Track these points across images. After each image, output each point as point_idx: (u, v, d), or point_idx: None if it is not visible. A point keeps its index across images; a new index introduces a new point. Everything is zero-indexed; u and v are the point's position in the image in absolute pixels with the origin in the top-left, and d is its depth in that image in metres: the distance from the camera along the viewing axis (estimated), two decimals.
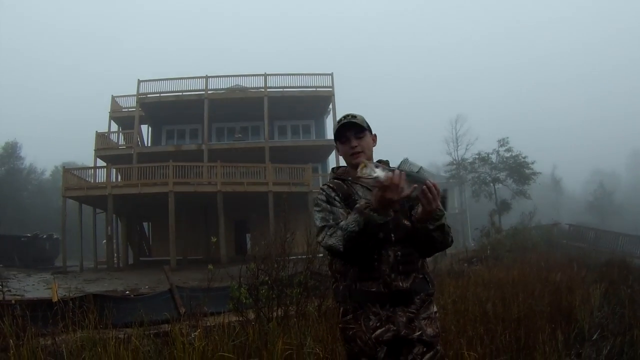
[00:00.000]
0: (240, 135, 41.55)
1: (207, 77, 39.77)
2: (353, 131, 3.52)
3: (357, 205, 3.17)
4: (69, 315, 8.20)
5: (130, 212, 37.45)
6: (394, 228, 3.30)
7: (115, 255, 35.71)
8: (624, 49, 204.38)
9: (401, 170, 3.00)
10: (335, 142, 3.64)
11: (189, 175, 33.84)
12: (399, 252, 3.33)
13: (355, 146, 3.50)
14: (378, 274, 3.29)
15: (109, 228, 33.07)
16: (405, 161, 3.60)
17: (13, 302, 9.86)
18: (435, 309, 3.46)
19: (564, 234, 40.71)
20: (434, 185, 3.07)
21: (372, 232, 3.12)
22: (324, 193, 3.48)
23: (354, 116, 3.58)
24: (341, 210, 3.37)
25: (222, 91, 40.37)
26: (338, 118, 3.66)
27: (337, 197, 3.44)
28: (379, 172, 2.91)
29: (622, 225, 62.70)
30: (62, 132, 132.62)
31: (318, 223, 3.36)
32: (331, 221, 3.30)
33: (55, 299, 9.59)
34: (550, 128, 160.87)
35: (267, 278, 8.40)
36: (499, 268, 14.59)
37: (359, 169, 2.97)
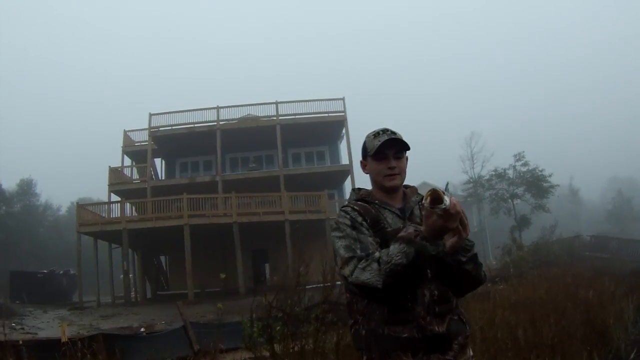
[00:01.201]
0: (254, 165, 41.33)
1: (218, 108, 39.74)
2: (394, 150, 3.11)
3: (403, 234, 2.68)
4: (77, 356, 7.96)
5: (146, 246, 37.28)
6: (430, 262, 2.76)
7: (133, 289, 35.69)
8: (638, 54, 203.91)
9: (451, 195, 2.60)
10: (365, 159, 3.22)
11: (203, 207, 33.73)
12: (435, 291, 2.87)
13: (394, 167, 3.10)
14: (411, 316, 2.80)
15: (125, 263, 33.00)
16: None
17: (20, 342, 9.60)
18: (471, 352, 3.00)
19: (586, 245, 40.36)
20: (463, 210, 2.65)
21: (420, 267, 2.66)
22: (349, 216, 3.01)
23: (394, 132, 3.17)
24: (370, 239, 2.89)
25: (234, 121, 40.31)
26: (367, 136, 3.22)
27: (364, 222, 2.98)
28: (448, 200, 2.50)
29: None
30: (78, 168, 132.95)
31: (342, 252, 2.85)
32: (359, 251, 2.81)
33: (64, 339, 9.32)
34: (564, 136, 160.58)
35: (281, 314, 8.00)
36: (524, 287, 14.09)
37: (428, 197, 2.49)
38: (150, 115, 39.73)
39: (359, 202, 3.15)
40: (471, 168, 58.46)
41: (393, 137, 3.10)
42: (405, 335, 2.78)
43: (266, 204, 34.63)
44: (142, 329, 17.72)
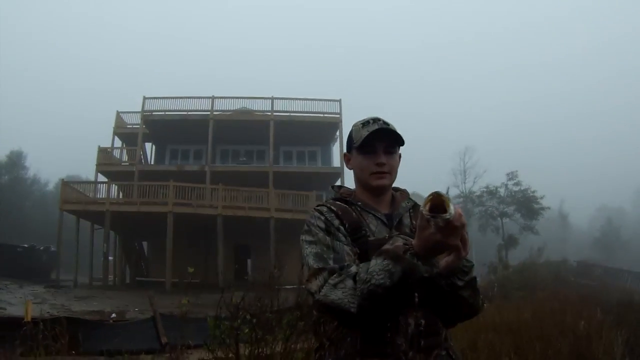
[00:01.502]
0: (244, 159, 41.06)
1: (213, 98, 39.40)
2: (384, 143, 2.57)
3: (388, 247, 2.14)
4: (37, 339, 7.67)
5: (128, 229, 36.89)
6: (419, 285, 2.19)
7: (112, 273, 35.37)
8: (633, 86, 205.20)
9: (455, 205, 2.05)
10: (350, 152, 2.69)
11: (190, 196, 33.32)
12: (421, 320, 2.31)
13: (384, 164, 2.55)
14: (391, 349, 2.24)
15: (105, 245, 32.79)
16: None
17: None
18: None
19: (571, 270, 40.26)
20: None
21: (407, 290, 2.12)
22: (323, 218, 2.46)
23: (386, 122, 2.62)
24: (347, 248, 2.35)
25: (228, 112, 39.99)
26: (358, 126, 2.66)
27: (341, 227, 2.44)
28: (452, 210, 1.98)
29: (629, 260, 62.37)
30: (71, 145, 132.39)
31: (311, 262, 2.32)
32: (331, 262, 2.27)
33: (27, 319, 8.93)
34: (557, 162, 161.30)
35: (249, 317, 7.56)
36: (509, 309, 13.71)
37: (427, 203, 1.98)
38: (145, 98, 39.35)
39: (338, 202, 2.60)
40: (463, 182, 58.85)
41: (385, 127, 2.56)
42: None
43: (253, 199, 34.17)
44: (113, 315, 17.35)
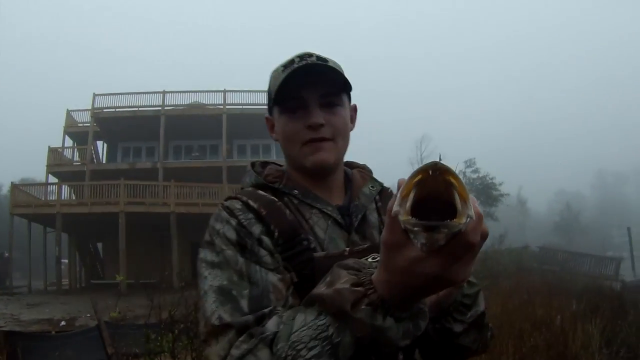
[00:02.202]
0: (197, 154, 40.38)
1: (164, 93, 38.73)
2: (319, 90, 1.62)
3: (322, 290, 1.20)
4: None
5: (82, 231, 36.22)
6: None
7: (68, 277, 34.76)
8: (590, 71, 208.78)
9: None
10: (270, 111, 1.77)
11: (142, 194, 32.73)
12: None
13: (321, 125, 1.61)
14: None
15: (57, 249, 31.80)
16: None
17: None
18: None
19: (534, 257, 40.35)
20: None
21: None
22: (234, 222, 1.51)
23: (322, 58, 1.64)
24: (274, 278, 1.42)
25: (180, 107, 39.30)
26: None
27: (265, 238, 1.49)
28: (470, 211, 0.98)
29: (589, 245, 63.41)
30: (25, 146, 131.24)
31: (210, 307, 1.38)
32: (245, 305, 1.35)
33: None
34: (514, 147, 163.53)
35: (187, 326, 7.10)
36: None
37: (406, 191, 0.98)
38: (94, 95, 38.46)
39: (260, 192, 1.61)
40: None
41: (315, 62, 1.60)
42: None
43: (207, 195, 33.43)
44: (63, 323, 16.83)
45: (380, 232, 1.53)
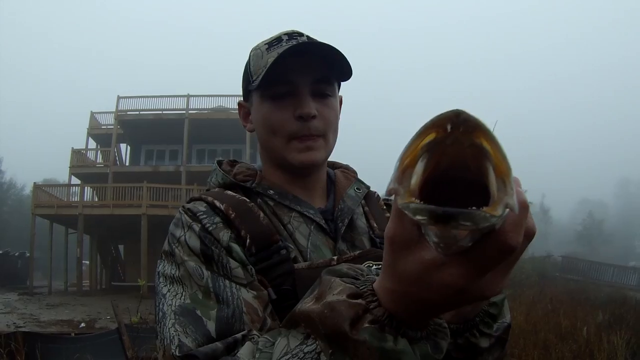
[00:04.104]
0: (221, 158, 39.75)
1: (188, 96, 38.63)
2: (312, 74, 1.40)
3: (309, 306, 0.92)
4: None
5: (103, 233, 36.21)
6: None
7: (89, 278, 34.74)
8: (613, 80, 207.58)
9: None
10: (247, 99, 1.54)
11: (165, 197, 32.67)
12: None
13: (313, 115, 1.39)
14: None
15: (79, 250, 32.17)
16: None
17: None
18: None
19: (556, 266, 40.14)
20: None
21: None
22: (198, 228, 1.27)
23: (311, 38, 1.45)
24: (247, 295, 1.19)
25: (205, 111, 39.23)
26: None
27: (234, 246, 1.25)
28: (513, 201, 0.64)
29: (612, 254, 62.94)
30: (48, 147, 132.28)
31: (169, 332, 1.12)
32: (213, 332, 1.11)
33: None
34: (539, 157, 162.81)
35: None
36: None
37: (407, 159, 0.67)
38: (119, 98, 38.54)
39: (229, 193, 1.40)
40: None
41: (310, 40, 1.41)
42: None
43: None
44: (82, 325, 16.78)
45: (370, 240, 1.45)
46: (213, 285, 1.17)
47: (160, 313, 1.18)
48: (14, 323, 15.49)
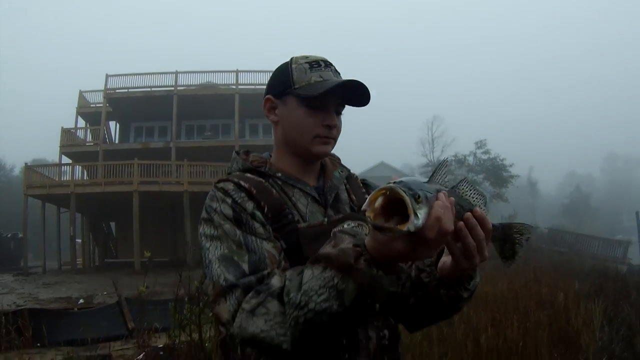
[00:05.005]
0: (210, 134, 40.43)
1: (177, 73, 38.64)
2: (338, 99, 1.89)
3: (331, 250, 1.47)
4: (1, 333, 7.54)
5: (95, 211, 36.54)
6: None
7: (80, 256, 34.86)
8: (600, 59, 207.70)
9: (448, 197, 1.40)
10: (280, 97, 1.92)
11: (155, 174, 32.89)
12: (384, 331, 1.82)
13: (335, 127, 1.90)
14: None
15: (71, 228, 32.29)
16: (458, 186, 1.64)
17: None
18: None
19: (543, 238, 40.35)
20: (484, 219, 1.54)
21: (366, 312, 1.47)
22: (230, 200, 1.74)
23: (337, 71, 1.96)
24: (268, 245, 1.67)
25: (193, 87, 39.32)
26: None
27: (257, 213, 1.74)
28: (423, 214, 1.29)
29: (598, 228, 63.17)
30: (36, 127, 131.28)
31: (216, 271, 1.63)
32: (246, 269, 1.61)
33: None
34: (527, 133, 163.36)
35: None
36: (483, 280, 13.53)
37: (375, 199, 1.31)
38: (107, 76, 38.50)
39: (248, 175, 1.87)
40: (431, 152, 58.53)
41: (359, 81, 1.83)
42: None
43: (220, 174, 32.53)
44: (80, 301, 17.05)
45: (351, 208, 1.97)
46: (244, 240, 1.66)
47: (207, 260, 1.67)
48: (14, 302, 15.66)
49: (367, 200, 1.31)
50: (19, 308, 11.12)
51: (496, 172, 48.87)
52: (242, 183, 1.78)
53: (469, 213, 1.51)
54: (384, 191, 1.29)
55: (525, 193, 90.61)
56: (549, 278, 13.50)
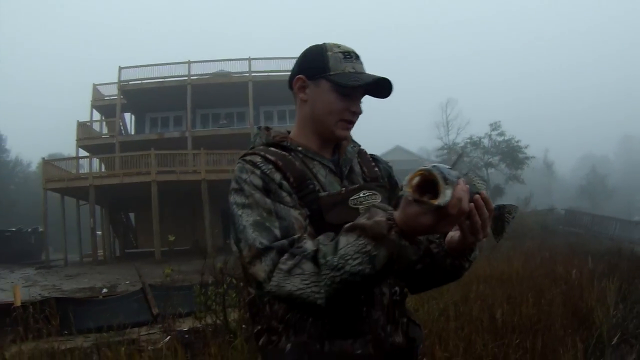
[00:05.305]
0: (225, 122, 40.57)
1: (189, 63, 38.71)
2: (363, 90, 2.08)
3: (364, 221, 1.67)
4: (28, 322, 7.68)
5: (114, 202, 36.79)
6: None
7: (101, 247, 35.26)
8: (616, 37, 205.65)
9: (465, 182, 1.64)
10: (313, 78, 2.09)
11: (172, 163, 33.16)
12: (396, 288, 2.08)
13: (359, 114, 2.12)
14: (368, 326, 1.93)
15: (91, 220, 32.62)
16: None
17: None
18: None
19: (559, 219, 40.31)
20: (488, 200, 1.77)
21: (388, 274, 1.73)
22: (258, 172, 1.92)
23: (368, 74, 2.11)
24: (295, 213, 1.86)
25: (206, 76, 39.45)
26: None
27: (284, 183, 1.93)
28: (449, 194, 1.55)
29: (614, 209, 62.77)
30: (50, 123, 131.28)
31: (250, 235, 1.80)
32: (277, 234, 1.79)
33: (17, 303, 8.91)
34: (541, 115, 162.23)
35: (235, 281, 7.49)
36: (499, 259, 13.66)
37: (413, 178, 1.54)
38: (120, 68, 38.72)
39: (272, 149, 2.06)
40: (446, 135, 58.30)
41: (383, 78, 2.04)
42: (358, 352, 1.90)
43: (236, 161, 32.97)
44: (104, 290, 17.30)
45: (363, 179, 2.17)
46: (274, 208, 1.83)
47: (241, 227, 1.83)
48: (39, 294, 15.79)
49: (406, 178, 1.56)
50: (47, 298, 11.32)
51: (512, 154, 48.55)
52: (269, 156, 1.96)
53: (477, 195, 1.73)
54: (422, 172, 1.53)
55: (542, 174, 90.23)
56: (565, 257, 13.57)
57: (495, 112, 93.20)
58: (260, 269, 1.73)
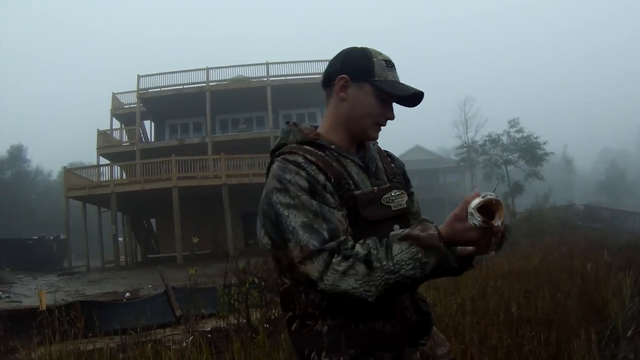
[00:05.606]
0: (244, 126, 40.70)
1: (207, 69, 38.92)
2: (395, 100, 2.22)
3: (418, 233, 1.87)
4: (54, 325, 7.83)
5: (135, 209, 37.06)
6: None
7: (123, 253, 35.60)
8: (634, 27, 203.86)
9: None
10: (357, 80, 2.17)
11: (193, 169, 33.31)
12: None
13: (391, 120, 2.26)
14: (397, 307, 2.15)
15: (113, 227, 32.91)
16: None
17: None
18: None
19: (579, 215, 40.12)
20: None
21: (433, 278, 1.97)
22: (305, 173, 2.02)
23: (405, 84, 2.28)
24: (338, 214, 1.99)
25: (224, 82, 39.52)
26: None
27: (328, 185, 2.04)
28: (500, 218, 1.84)
29: (635, 203, 62.15)
30: (69, 132, 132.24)
31: (302, 237, 1.92)
32: (326, 236, 1.92)
33: (42, 308, 9.07)
34: (558, 106, 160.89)
35: (255, 280, 7.64)
36: (517, 256, 13.74)
37: (478, 202, 1.78)
38: (139, 77, 38.99)
39: (307, 147, 2.15)
40: (465, 133, 58.19)
41: (420, 93, 2.19)
42: (389, 330, 2.10)
43: (257, 165, 33.60)
44: (127, 294, 17.46)
45: (386, 177, 2.32)
46: (320, 210, 1.96)
47: (290, 227, 1.94)
48: (63, 299, 15.97)
49: (474, 201, 1.80)
50: (72, 301, 11.51)
51: (530, 151, 48.26)
52: (309, 157, 2.07)
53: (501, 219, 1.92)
54: (489, 199, 1.80)
55: (561, 170, 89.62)
56: (582, 252, 13.58)
57: (512, 104, 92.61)
58: (312, 269, 1.90)
